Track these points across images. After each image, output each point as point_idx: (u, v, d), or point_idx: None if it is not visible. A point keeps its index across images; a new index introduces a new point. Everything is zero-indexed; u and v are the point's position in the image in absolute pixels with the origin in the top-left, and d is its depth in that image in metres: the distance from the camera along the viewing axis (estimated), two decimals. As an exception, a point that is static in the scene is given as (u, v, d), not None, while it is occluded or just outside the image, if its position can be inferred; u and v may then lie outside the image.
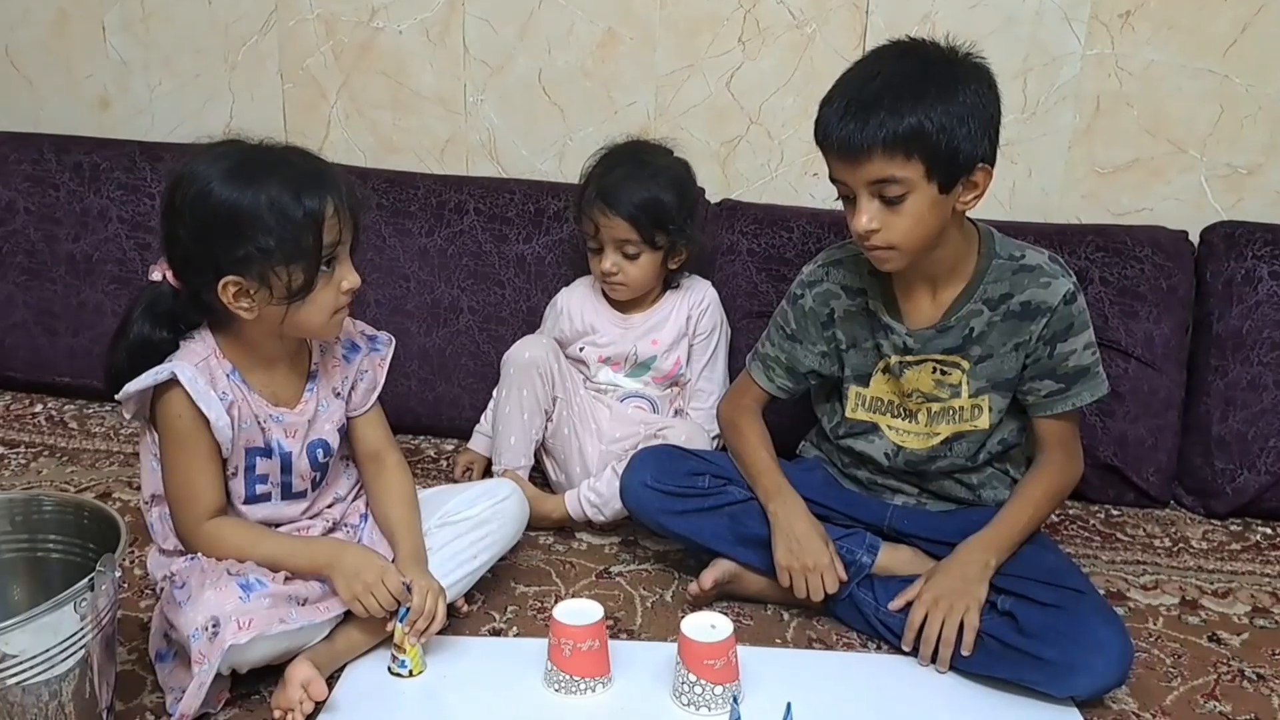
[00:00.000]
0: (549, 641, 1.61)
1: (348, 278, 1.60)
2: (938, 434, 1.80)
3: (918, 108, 1.53)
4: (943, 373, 1.76)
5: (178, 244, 1.56)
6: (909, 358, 1.77)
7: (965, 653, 1.63)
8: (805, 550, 1.74)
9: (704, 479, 1.85)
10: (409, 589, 1.60)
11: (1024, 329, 1.71)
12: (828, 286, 1.84)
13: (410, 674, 1.62)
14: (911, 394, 1.79)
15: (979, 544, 1.72)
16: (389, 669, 1.63)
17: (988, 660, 1.63)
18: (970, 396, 1.76)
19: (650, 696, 1.60)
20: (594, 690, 1.60)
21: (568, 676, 1.59)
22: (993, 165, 1.63)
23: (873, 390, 1.83)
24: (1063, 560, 1.76)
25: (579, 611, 1.61)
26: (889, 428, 1.83)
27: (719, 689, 1.55)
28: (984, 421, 1.77)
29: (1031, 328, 1.71)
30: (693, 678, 1.55)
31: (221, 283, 1.53)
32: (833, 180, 1.65)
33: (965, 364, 1.75)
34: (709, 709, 1.55)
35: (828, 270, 1.85)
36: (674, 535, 1.87)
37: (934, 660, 1.66)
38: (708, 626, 1.58)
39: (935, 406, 1.79)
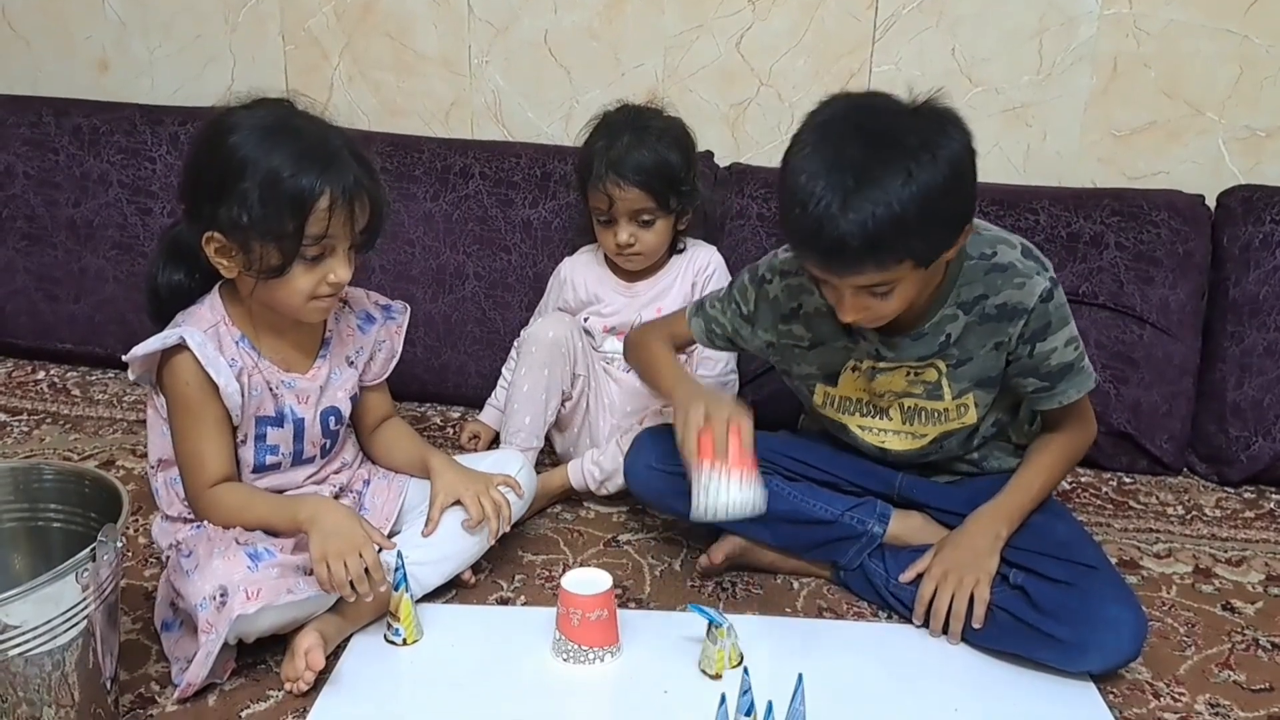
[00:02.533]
0: (557, 611, 1.60)
1: (336, 271, 1.56)
2: (925, 435, 1.75)
3: (905, 208, 1.39)
4: (916, 374, 1.70)
5: (183, 184, 1.57)
6: (882, 364, 1.71)
7: (975, 625, 1.61)
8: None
9: None
10: (400, 556, 1.59)
11: (1003, 330, 1.63)
12: (802, 280, 1.71)
13: (405, 642, 1.61)
14: (884, 394, 1.74)
15: (989, 515, 1.69)
16: (385, 637, 1.62)
17: (999, 635, 1.61)
18: (954, 398, 1.70)
19: (660, 665, 1.59)
20: (602, 660, 1.59)
21: (576, 646, 1.58)
22: (972, 217, 1.53)
23: (840, 390, 1.77)
24: (1075, 531, 1.73)
25: (587, 581, 1.60)
26: (860, 428, 1.78)
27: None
28: (971, 417, 1.72)
29: (1010, 329, 1.63)
30: None
31: (206, 235, 1.52)
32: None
33: (942, 365, 1.69)
34: None
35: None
36: (681, 517, 1.83)
37: (945, 633, 1.65)
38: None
39: (909, 403, 1.73)
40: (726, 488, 1.55)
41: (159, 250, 1.65)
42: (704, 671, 1.55)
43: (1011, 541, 1.67)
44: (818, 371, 1.77)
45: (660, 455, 1.80)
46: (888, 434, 1.76)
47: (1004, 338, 1.63)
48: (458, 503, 1.72)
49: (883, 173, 1.40)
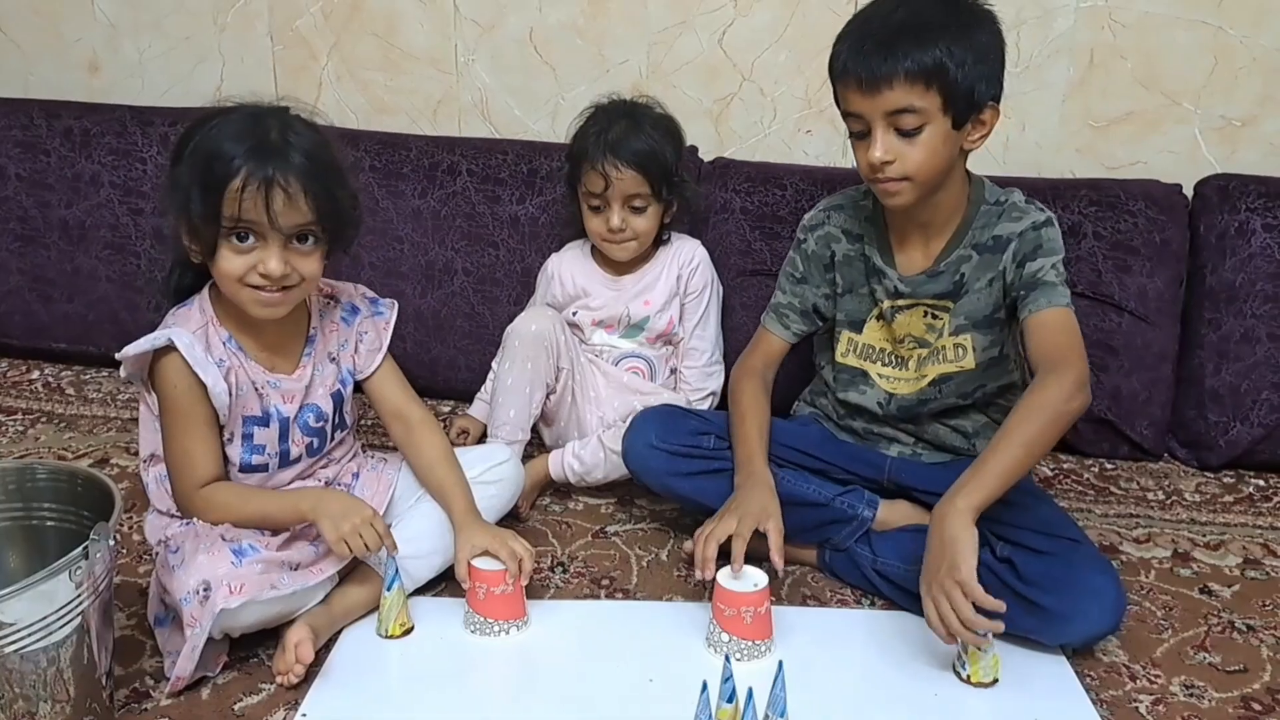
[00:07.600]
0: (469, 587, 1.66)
1: (264, 262, 1.52)
2: (925, 376, 1.82)
3: (940, 41, 1.56)
4: (934, 317, 1.78)
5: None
6: (901, 302, 1.79)
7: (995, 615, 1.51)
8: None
9: (709, 439, 1.85)
10: (386, 549, 1.61)
11: (997, 260, 1.72)
12: (828, 230, 1.87)
13: (388, 635, 1.63)
14: (904, 339, 1.81)
15: (950, 501, 1.53)
16: (376, 631, 1.64)
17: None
18: (950, 335, 1.77)
19: (644, 654, 1.62)
20: (508, 633, 1.65)
21: (481, 619, 1.64)
22: (998, 106, 1.66)
23: (865, 337, 1.85)
24: (1057, 512, 1.77)
25: (495, 560, 1.66)
26: (879, 375, 1.85)
27: (755, 643, 1.61)
28: (969, 361, 1.78)
29: (1004, 258, 1.72)
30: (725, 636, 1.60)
31: (175, 218, 1.56)
32: (846, 115, 1.66)
33: (952, 305, 1.77)
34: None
35: (828, 214, 1.89)
36: (679, 497, 1.87)
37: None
38: (749, 581, 1.63)
39: (925, 352, 1.80)
40: (741, 650, 1.62)
41: (172, 256, 1.67)
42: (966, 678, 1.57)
43: (998, 517, 1.62)
44: (845, 319, 1.87)
45: (660, 433, 1.83)
46: (900, 381, 1.84)
47: (999, 269, 1.72)
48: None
49: (926, 15, 1.59)
